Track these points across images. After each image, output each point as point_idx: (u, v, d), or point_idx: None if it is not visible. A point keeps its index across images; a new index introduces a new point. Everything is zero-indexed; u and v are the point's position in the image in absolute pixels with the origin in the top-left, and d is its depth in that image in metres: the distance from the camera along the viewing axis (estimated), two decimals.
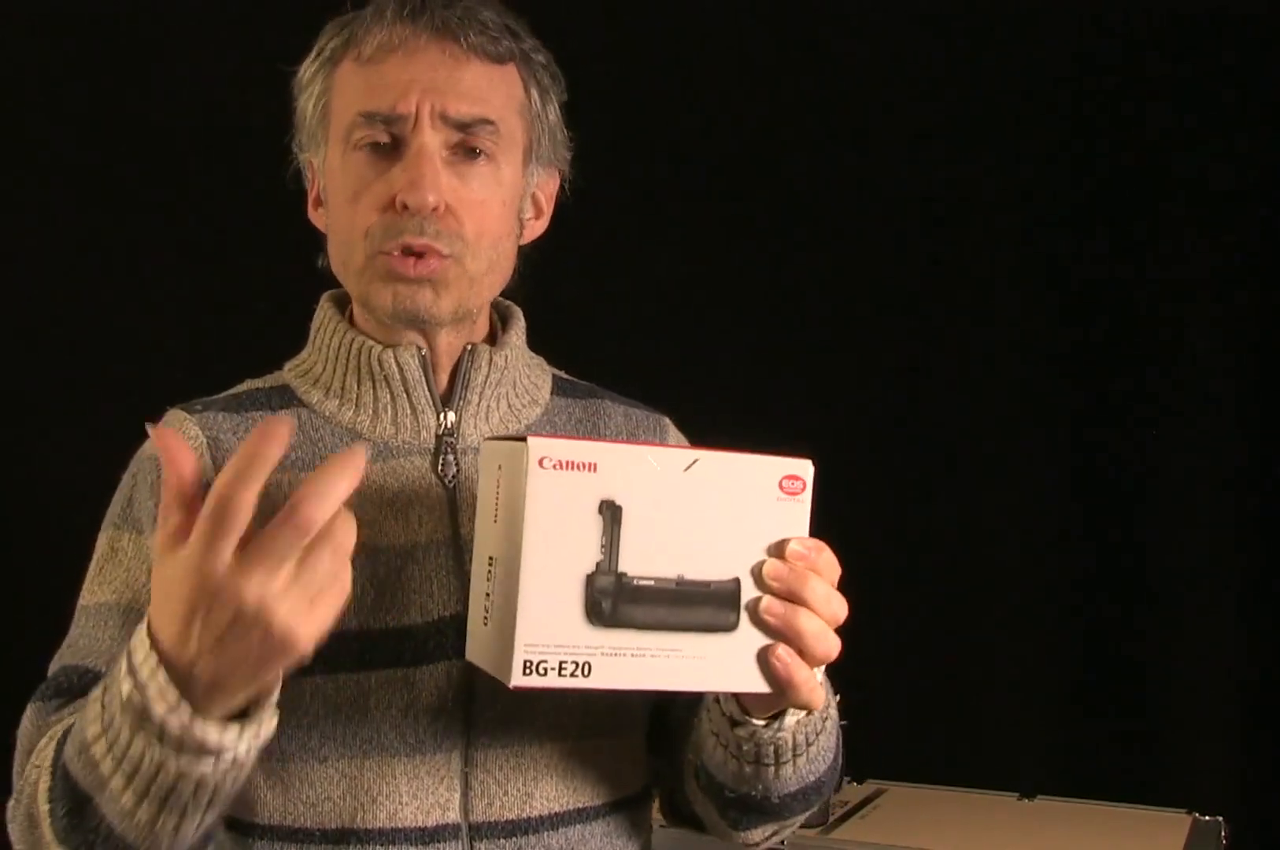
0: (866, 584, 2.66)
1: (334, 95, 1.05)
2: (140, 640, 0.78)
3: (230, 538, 0.73)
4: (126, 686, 0.77)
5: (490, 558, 0.86)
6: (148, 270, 2.31)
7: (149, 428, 0.85)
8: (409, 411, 1.05)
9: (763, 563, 0.85)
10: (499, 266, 1.07)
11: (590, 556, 0.81)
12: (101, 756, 0.79)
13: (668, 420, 1.19)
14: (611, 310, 2.39)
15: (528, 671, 0.81)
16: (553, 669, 0.81)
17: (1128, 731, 2.41)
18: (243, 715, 0.79)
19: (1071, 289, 2.48)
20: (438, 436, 1.05)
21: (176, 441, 0.76)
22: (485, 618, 0.86)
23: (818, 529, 0.88)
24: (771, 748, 0.96)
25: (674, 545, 0.83)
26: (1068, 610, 2.47)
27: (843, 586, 0.88)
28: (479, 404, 1.07)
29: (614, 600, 0.81)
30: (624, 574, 0.82)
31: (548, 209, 1.12)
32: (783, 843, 1.78)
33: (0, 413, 2.26)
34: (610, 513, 0.81)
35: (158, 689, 0.76)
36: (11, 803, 0.92)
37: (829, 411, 2.47)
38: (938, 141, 2.50)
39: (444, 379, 1.07)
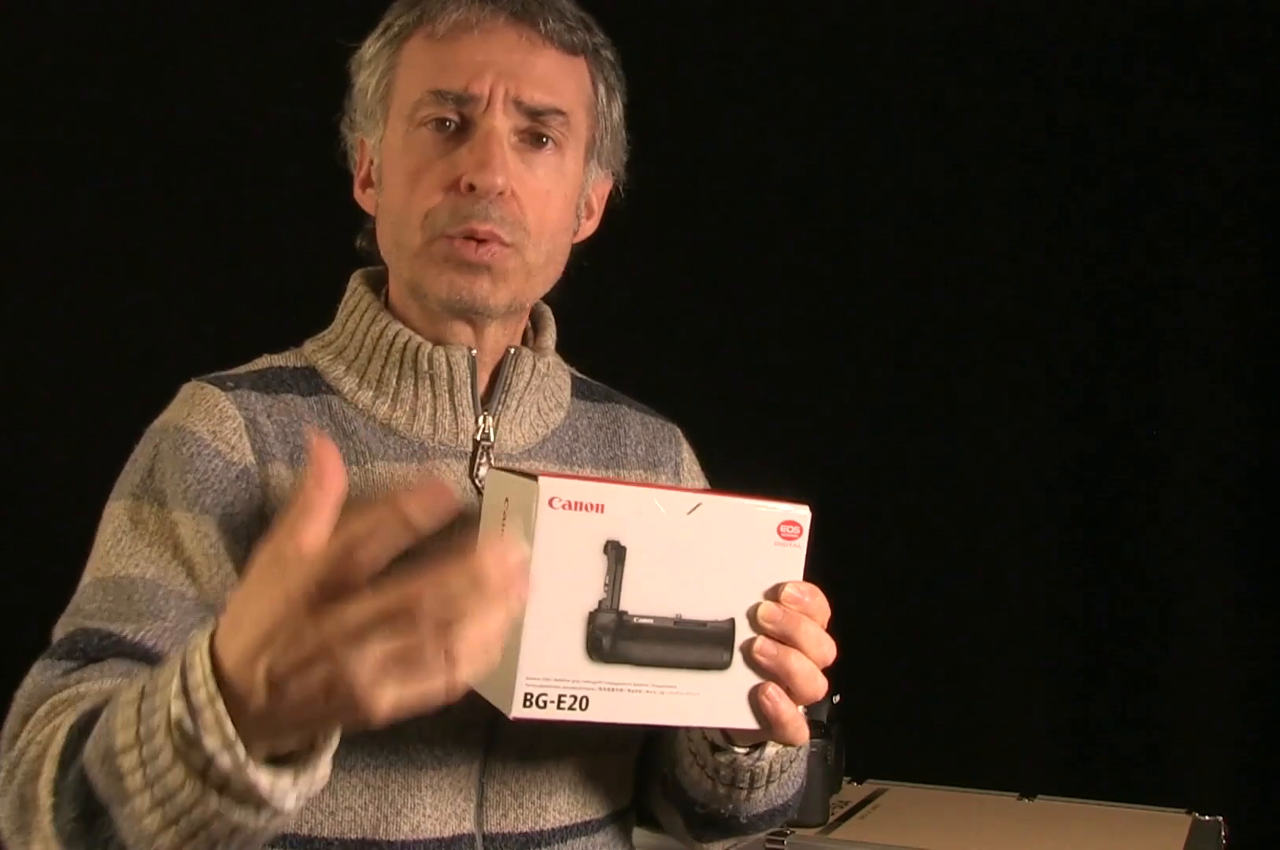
0: (867, 584, 2.66)
1: (400, 71, 1.02)
2: (200, 657, 0.71)
3: (336, 579, 0.66)
4: (178, 708, 0.70)
5: None
6: (153, 246, 2.30)
7: (311, 435, 0.81)
8: (449, 412, 1.03)
9: (758, 605, 0.86)
10: (555, 260, 1.05)
11: (593, 594, 0.83)
12: (130, 770, 0.73)
13: (679, 431, 1.19)
14: (614, 314, 2.38)
15: (528, 704, 0.82)
16: (552, 702, 0.83)
17: (1128, 731, 2.41)
18: (290, 756, 0.73)
19: (1074, 301, 2.48)
20: (475, 441, 1.03)
21: (335, 456, 0.69)
22: None
23: (825, 540, 0.88)
24: (748, 774, 0.97)
25: (674, 585, 0.85)
26: (1068, 610, 2.47)
27: (841, 596, 0.89)
28: (516, 409, 1.05)
29: (614, 637, 0.83)
30: (624, 612, 0.84)
31: (599, 210, 1.11)
32: (783, 842, 1.78)
33: (7, 390, 2.25)
34: (615, 553, 0.83)
35: (213, 719, 0.69)
36: (1, 775, 0.85)
37: (834, 413, 2.47)
38: (941, 151, 2.50)
39: (484, 381, 1.05)
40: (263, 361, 1.07)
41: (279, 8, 2.23)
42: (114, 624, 0.92)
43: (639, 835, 1.14)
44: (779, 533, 0.87)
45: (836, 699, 1.93)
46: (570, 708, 0.83)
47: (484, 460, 1.03)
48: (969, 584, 2.50)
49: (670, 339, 2.49)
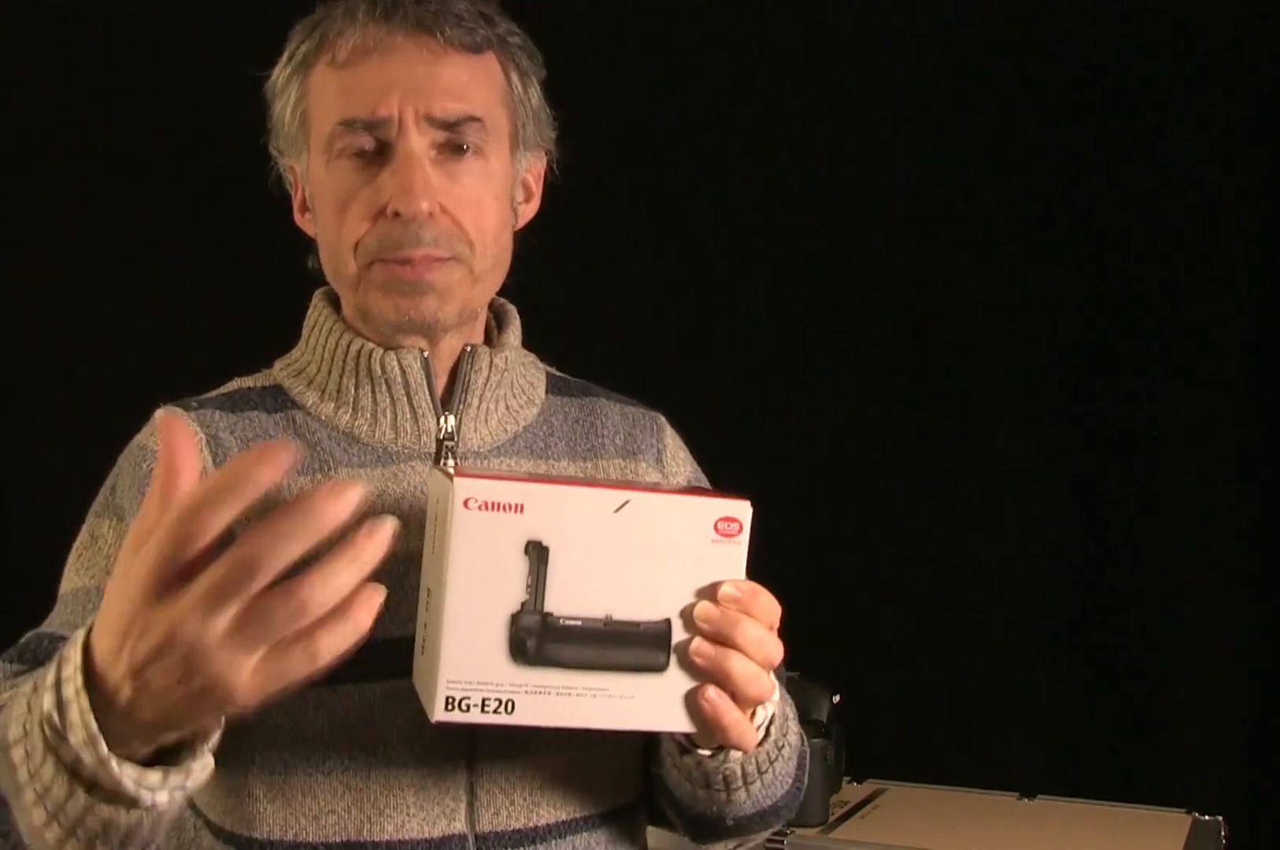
0: (867, 584, 2.65)
1: (311, 101, 1.02)
2: (75, 651, 0.71)
3: (179, 559, 0.65)
4: (49, 701, 0.71)
5: (428, 589, 0.86)
6: (133, 266, 2.30)
7: (157, 416, 0.81)
8: (409, 416, 1.03)
9: (694, 605, 0.84)
10: (501, 262, 1.05)
11: (516, 596, 0.81)
12: (19, 763, 0.74)
13: (663, 418, 1.18)
14: (595, 307, 2.38)
15: (449, 707, 0.81)
16: (475, 705, 0.82)
17: (1128, 731, 2.41)
18: (175, 753, 0.73)
19: (1073, 295, 2.48)
20: (438, 441, 1.03)
21: (182, 435, 0.67)
22: (422, 646, 0.87)
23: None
24: (720, 776, 0.96)
25: (604, 585, 0.83)
26: (1067, 610, 2.47)
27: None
28: (479, 407, 1.05)
29: (538, 639, 0.82)
30: (550, 613, 0.82)
31: (537, 190, 1.11)
32: (783, 842, 1.79)
33: None
34: (536, 553, 0.81)
35: (78, 715, 0.70)
36: None
37: (832, 410, 2.47)
38: (935, 150, 2.50)
39: (443, 381, 1.06)
40: (233, 384, 1.09)
41: (271, 30, 2.24)
42: (65, 630, 0.94)
43: (656, 836, 1.13)
44: (716, 529, 0.84)
45: (836, 699, 1.93)
46: (495, 711, 0.82)
47: (449, 460, 1.03)
48: (969, 584, 2.50)
49: (659, 336, 2.48)
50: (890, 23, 2.47)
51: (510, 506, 0.81)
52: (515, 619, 0.82)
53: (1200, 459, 2.41)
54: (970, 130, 2.49)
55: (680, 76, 2.48)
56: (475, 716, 0.82)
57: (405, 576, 0.97)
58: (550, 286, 1.15)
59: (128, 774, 0.71)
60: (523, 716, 0.83)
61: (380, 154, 0.99)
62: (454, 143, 1.00)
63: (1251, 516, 2.37)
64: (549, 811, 1.00)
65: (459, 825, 0.97)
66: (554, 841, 1.00)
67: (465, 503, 0.80)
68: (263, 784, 0.96)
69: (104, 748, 0.70)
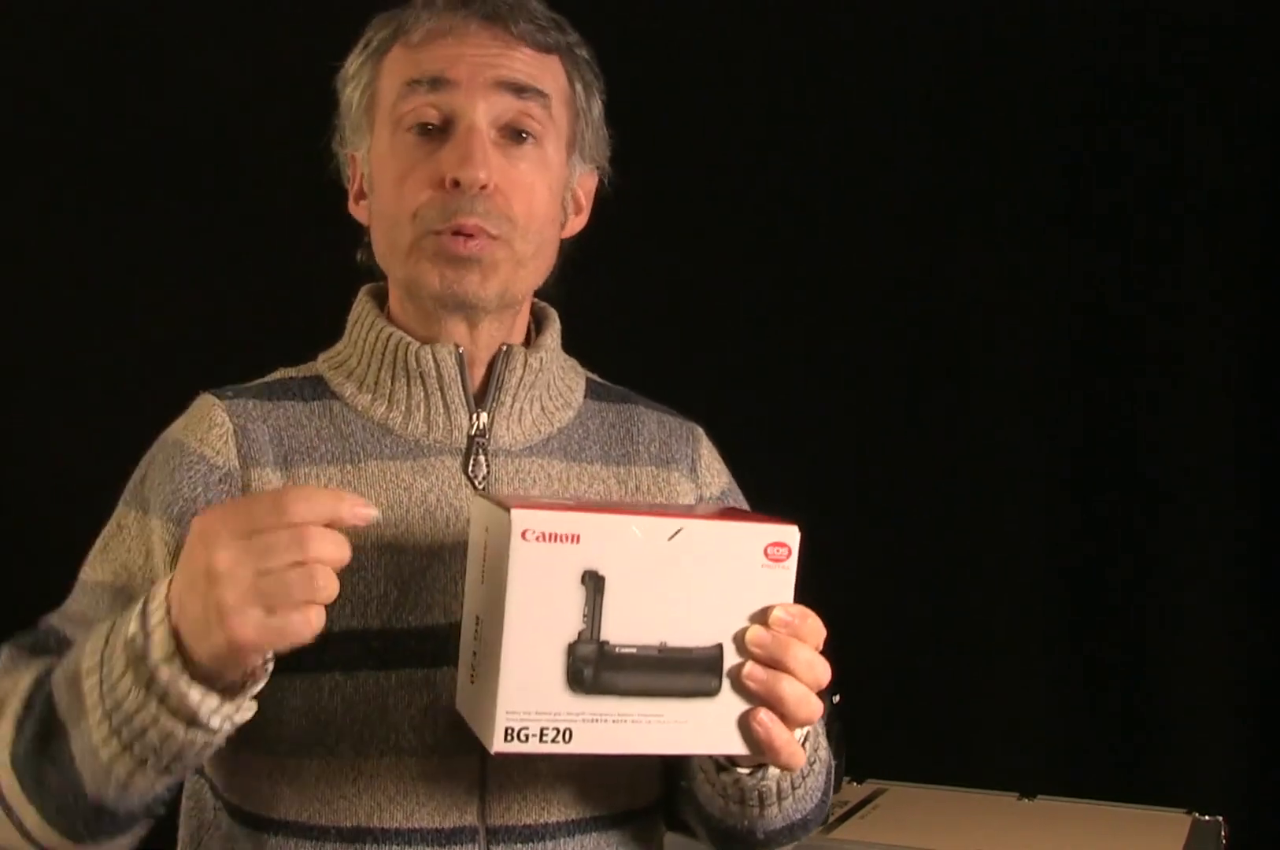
0: (868, 584, 2.65)
1: (382, 82, 1.05)
2: (160, 587, 0.83)
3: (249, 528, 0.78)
4: (133, 627, 0.82)
5: (477, 617, 0.87)
6: (185, 262, 2.30)
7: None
8: (442, 410, 1.04)
9: (746, 629, 0.85)
10: (544, 252, 1.07)
11: (572, 625, 0.82)
12: (90, 689, 0.83)
13: (700, 429, 1.19)
14: (638, 317, 2.38)
15: (509, 738, 0.82)
16: (534, 735, 0.82)
17: (1128, 731, 2.41)
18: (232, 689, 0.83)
19: (1070, 297, 2.48)
20: (469, 437, 1.05)
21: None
22: (472, 676, 0.87)
23: (826, 538, 0.87)
24: (756, 793, 0.96)
25: (657, 613, 0.84)
26: (1067, 610, 2.48)
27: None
28: (512, 406, 1.06)
29: (595, 668, 0.83)
30: (606, 642, 0.83)
31: (587, 206, 1.13)
32: None
33: (34, 400, 2.26)
34: (593, 583, 0.82)
35: (161, 637, 0.80)
36: None
37: (835, 412, 2.47)
38: (947, 159, 2.50)
39: (478, 379, 1.07)
40: (276, 374, 1.11)
41: (292, 19, 2.24)
42: (71, 628, 0.99)
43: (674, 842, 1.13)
44: (766, 555, 0.85)
45: (836, 699, 1.93)
46: (553, 740, 0.82)
47: (480, 456, 1.04)
48: (969, 584, 2.50)
49: (681, 346, 2.48)
50: (891, 23, 2.47)
51: (567, 537, 0.82)
52: (572, 648, 0.82)
53: (1200, 459, 2.41)
54: (970, 130, 2.49)
55: (722, 84, 2.46)
56: (534, 746, 0.82)
57: (427, 569, 0.99)
58: (591, 297, 1.16)
59: (195, 690, 0.80)
60: (580, 745, 0.83)
61: (443, 131, 1.02)
62: (515, 127, 1.03)
63: (1251, 516, 2.38)
64: (560, 809, 1.01)
65: (470, 818, 0.98)
66: (564, 840, 1.01)
67: (524, 534, 0.81)
68: (279, 764, 0.97)
69: (179, 663, 0.80)
